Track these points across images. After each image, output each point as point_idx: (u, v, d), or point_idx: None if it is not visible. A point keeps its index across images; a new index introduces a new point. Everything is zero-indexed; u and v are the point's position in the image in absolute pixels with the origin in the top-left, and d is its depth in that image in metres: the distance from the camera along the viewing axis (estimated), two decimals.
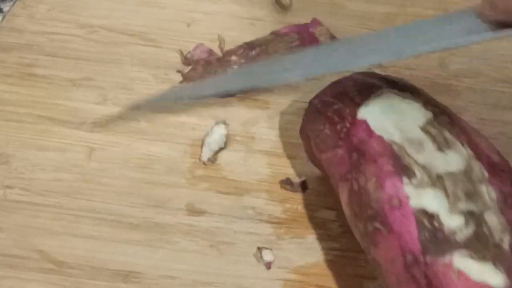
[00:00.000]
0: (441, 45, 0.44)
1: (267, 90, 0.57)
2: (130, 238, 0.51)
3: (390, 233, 0.42)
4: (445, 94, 0.56)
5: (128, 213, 0.52)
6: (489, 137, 0.47)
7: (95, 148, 0.55)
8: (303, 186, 0.53)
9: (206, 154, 0.54)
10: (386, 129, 0.45)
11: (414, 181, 0.42)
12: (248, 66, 0.57)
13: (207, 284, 0.49)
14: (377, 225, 0.43)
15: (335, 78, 0.52)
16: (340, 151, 0.46)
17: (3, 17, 0.61)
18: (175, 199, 0.52)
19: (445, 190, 0.42)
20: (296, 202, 0.53)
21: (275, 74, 0.50)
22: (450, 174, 0.43)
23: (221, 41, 0.60)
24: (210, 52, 0.59)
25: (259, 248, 0.50)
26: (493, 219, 0.41)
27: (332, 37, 0.60)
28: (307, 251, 0.50)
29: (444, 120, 0.45)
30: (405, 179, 0.43)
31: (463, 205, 0.42)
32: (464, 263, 0.40)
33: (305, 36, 0.59)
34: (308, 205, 0.52)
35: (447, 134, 0.44)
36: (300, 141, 0.53)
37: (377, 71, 0.53)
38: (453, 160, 0.43)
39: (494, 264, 0.40)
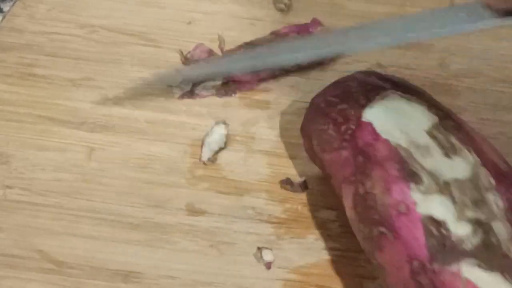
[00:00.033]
0: (446, 31, 0.44)
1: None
2: (130, 238, 0.51)
3: (396, 238, 0.42)
4: (445, 94, 0.56)
5: (128, 213, 0.52)
6: (489, 137, 0.47)
7: (95, 148, 0.55)
8: (303, 186, 0.53)
9: (206, 154, 0.54)
10: (392, 132, 0.45)
11: (421, 187, 0.42)
12: (254, 48, 0.57)
13: (207, 284, 0.49)
14: (383, 230, 0.42)
15: (335, 77, 0.52)
16: (344, 153, 0.46)
17: (3, 17, 0.61)
18: (175, 199, 0.52)
19: (452, 197, 0.42)
20: (296, 202, 0.53)
21: (281, 55, 0.49)
22: (457, 181, 0.42)
23: (221, 41, 0.60)
24: (210, 52, 0.59)
25: (259, 248, 0.50)
26: (500, 228, 0.41)
27: None
28: (307, 251, 0.50)
29: (450, 124, 0.45)
30: (412, 185, 0.42)
31: (471, 213, 0.41)
32: (472, 272, 0.40)
33: None
34: (308, 205, 0.52)
35: (453, 140, 0.44)
36: (300, 141, 0.53)
37: (377, 70, 0.53)
38: (460, 166, 0.43)
39: (503, 274, 0.40)
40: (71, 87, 0.57)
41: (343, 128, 0.47)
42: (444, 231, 0.41)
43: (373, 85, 0.48)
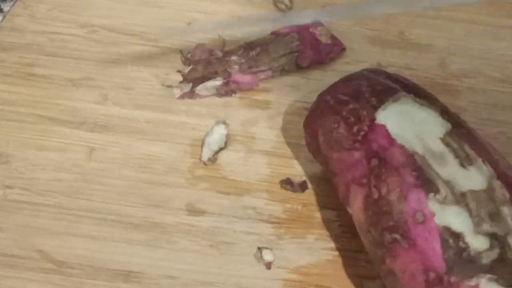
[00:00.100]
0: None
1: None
2: (130, 238, 0.51)
3: (412, 247, 0.42)
4: (445, 94, 0.56)
5: (128, 213, 0.52)
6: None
7: (95, 148, 0.55)
8: (303, 186, 0.53)
9: (206, 154, 0.54)
10: (407, 137, 0.45)
11: (438, 196, 0.42)
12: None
13: (207, 284, 0.49)
14: (397, 237, 0.42)
15: (336, 77, 0.52)
16: (356, 154, 0.46)
17: (3, 17, 0.61)
18: (175, 199, 0.52)
19: (469, 209, 0.42)
20: (296, 202, 0.53)
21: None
22: (473, 193, 0.42)
23: (221, 41, 0.60)
24: (210, 52, 0.59)
25: (259, 248, 0.50)
26: None
27: (333, 37, 0.60)
28: (307, 251, 0.50)
29: (464, 133, 0.45)
30: (430, 194, 0.42)
31: (487, 227, 0.41)
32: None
33: (306, 36, 0.59)
34: (308, 205, 0.52)
35: (468, 149, 0.44)
36: (301, 141, 0.53)
37: None
38: (475, 178, 0.43)
39: None
40: (71, 87, 0.57)
41: (355, 128, 0.47)
42: (461, 244, 0.41)
43: (384, 86, 0.48)
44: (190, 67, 0.59)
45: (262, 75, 0.58)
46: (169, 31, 0.60)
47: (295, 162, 0.54)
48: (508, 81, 0.58)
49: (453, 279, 0.40)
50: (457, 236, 0.41)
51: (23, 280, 0.49)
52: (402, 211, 0.42)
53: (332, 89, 0.50)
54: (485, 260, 0.40)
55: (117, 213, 0.52)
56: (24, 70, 0.58)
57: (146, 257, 0.50)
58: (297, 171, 0.54)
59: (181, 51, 0.59)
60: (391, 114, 0.46)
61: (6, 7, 0.62)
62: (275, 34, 0.60)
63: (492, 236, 0.41)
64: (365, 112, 0.46)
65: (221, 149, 0.55)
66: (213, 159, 0.54)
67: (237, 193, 0.53)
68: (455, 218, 0.41)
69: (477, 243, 0.41)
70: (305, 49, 0.59)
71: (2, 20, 0.61)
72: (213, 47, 0.60)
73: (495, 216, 0.41)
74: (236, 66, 0.58)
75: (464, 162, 0.43)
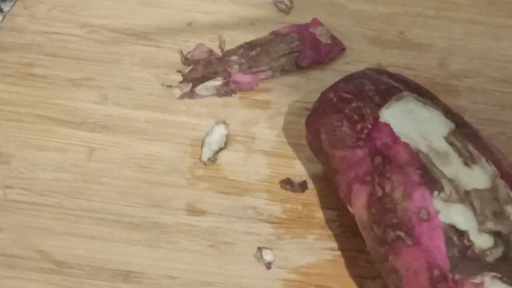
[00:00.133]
0: None
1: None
2: (130, 238, 0.51)
3: (416, 244, 0.42)
4: (445, 94, 0.56)
5: (128, 213, 0.52)
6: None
7: (95, 148, 0.55)
8: (303, 186, 0.53)
9: (206, 154, 0.54)
10: (410, 136, 0.45)
11: (442, 195, 0.42)
12: None
13: (207, 284, 0.49)
14: (401, 234, 0.42)
15: (336, 77, 0.52)
16: (359, 152, 0.46)
17: (3, 17, 0.61)
18: (175, 199, 0.52)
19: (473, 207, 0.42)
20: (296, 202, 0.53)
21: None
22: (477, 192, 0.42)
23: (221, 41, 0.60)
24: (211, 52, 0.59)
25: (259, 248, 0.50)
26: None
27: (333, 37, 0.60)
28: (307, 251, 0.50)
29: (467, 132, 0.45)
30: (434, 192, 0.42)
31: (491, 225, 0.41)
32: (495, 286, 0.40)
33: (306, 36, 0.60)
34: (308, 205, 0.52)
35: (472, 149, 0.44)
36: (301, 141, 0.53)
37: None
38: (479, 177, 0.43)
39: None
40: (71, 87, 0.57)
41: (358, 126, 0.47)
42: (466, 242, 0.41)
43: (387, 85, 0.48)
44: (190, 67, 0.59)
45: (262, 75, 0.58)
46: (169, 31, 0.60)
47: (295, 162, 0.54)
48: (508, 81, 0.58)
49: (457, 276, 0.40)
50: (462, 234, 0.41)
51: (23, 280, 0.49)
52: (406, 208, 0.43)
53: (335, 88, 0.50)
54: (490, 258, 0.40)
55: (117, 213, 0.52)
56: (24, 70, 0.58)
57: (146, 257, 0.50)
58: (297, 171, 0.54)
59: (181, 51, 0.59)
60: (395, 112, 0.46)
61: (6, 7, 0.62)
62: (275, 34, 0.60)
63: (496, 235, 0.41)
64: (368, 110, 0.47)
65: (221, 149, 0.55)
66: (213, 159, 0.54)
67: (237, 193, 0.53)
68: (459, 216, 0.42)
69: (481, 241, 0.41)
70: (305, 49, 0.59)
71: (2, 20, 0.61)
72: (213, 47, 0.60)
73: (499, 215, 0.42)
74: (236, 66, 0.58)
75: (468, 161, 0.44)
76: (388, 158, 0.44)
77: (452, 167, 0.43)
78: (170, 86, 0.58)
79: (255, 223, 0.52)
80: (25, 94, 0.57)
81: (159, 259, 0.50)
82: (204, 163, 0.54)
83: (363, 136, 0.46)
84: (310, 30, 0.60)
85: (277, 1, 0.62)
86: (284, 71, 0.59)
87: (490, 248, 0.41)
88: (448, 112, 0.46)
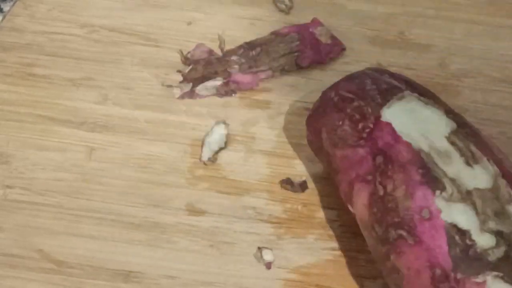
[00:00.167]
0: None
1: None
2: (131, 238, 0.51)
3: (417, 244, 0.42)
4: (445, 94, 0.56)
5: (128, 213, 0.52)
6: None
7: (95, 148, 0.55)
8: (303, 186, 0.53)
9: (206, 154, 0.54)
10: (412, 135, 0.45)
11: (444, 194, 0.42)
12: None
13: (207, 284, 0.49)
14: (403, 233, 0.42)
15: (336, 77, 0.52)
16: (361, 151, 0.46)
17: (3, 17, 0.61)
18: (175, 199, 0.52)
19: (475, 207, 0.42)
20: (296, 202, 0.53)
21: None
22: (479, 191, 0.42)
23: (221, 41, 0.60)
24: (211, 52, 0.59)
25: (259, 248, 0.50)
26: None
27: (333, 37, 0.60)
28: (307, 251, 0.50)
29: (468, 132, 0.45)
30: (436, 192, 0.42)
31: (493, 225, 0.41)
32: (497, 285, 0.40)
33: (306, 36, 0.60)
34: (308, 205, 0.52)
35: (473, 148, 0.44)
36: (301, 141, 0.53)
37: None
38: (481, 176, 0.43)
39: None
40: (71, 87, 0.57)
41: (360, 125, 0.47)
42: (468, 241, 0.41)
43: (388, 84, 0.48)
44: (190, 67, 0.59)
45: (262, 75, 0.58)
46: (169, 31, 0.60)
47: (295, 162, 0.54)
48: (508, 81, 0.58)
49: (459, 275, 0.40)
50: (464, 233, 0.41)
51: (23, 280, 0.49)
52: (408, 207, 0.43)
53: (336, 87, 0.50)
54: (491, 257, 0.40)
55: (117, 213, 0.52)
56: (24, 70, 0.58)
57: (146, 257, 0.50)
58: (297, 171, 0.54)
59: (181, 51, 0.59)
60: (396, 112, 0.46)
61: (6, 7, 0.62)
62: (275, 34, 0.60)
63: (498, 234, 0.41)
64: (370, 110, 0.47)
65: (221, 149, 0.55)
66: (213, 159, 0.54)
67: (237, 193, 0.53)
68: (461, 216, 0.42)
69: (483, 240, 0.41)
70: (305, 49, 0.59)
71: (2, 20, 0.61)
72: (213, 47, 0.60)
73: (500, 214, 0.42)
74: (236, 66, 0.58)
75: (470, 160, 0.44)
76: (389, 157, 0.44)
77: (454, 167, 0.43)
78: (170, 86, 0.58)
79: (255, 223, 0.52)
80: (25, 94, 0.57)
81: (159, 259, 0.50)
82: (204, 163, 0.54)
83: (365, 135, 0.46)
84: (310, 30, 0.60)
85: (277, 1, 0.62)
86: (284, 71, 0.59)
87: (492, 248, 0.41)
88: (449, 112, 0.47)
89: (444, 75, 0.58)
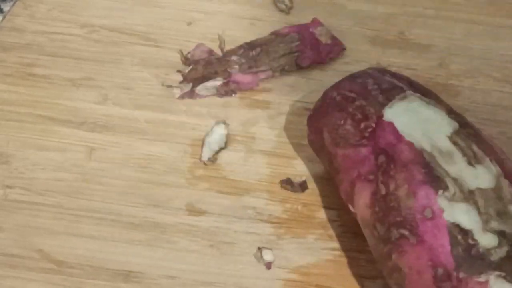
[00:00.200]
0: None
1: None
2: (131, 238, 0.51)
3: (419, 243, 0.42)
4: (445, 94, 0.56)
5: (128, 213, 0.52)
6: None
7: (95, 148, 0.55)
8: (303, 186, 0.53)
9: (206, 154, 0.54)
10: (414, 135, 0.45)
11: (447, 194, 0.42)
12: None
13: (207, 284, 0.49)
14: (405, 232, 0.42)
15: (336, 77, 0.52)
16: (363, 150, 0.46)
17: (3, 17, 0.61)
18: (175, 199, 0.52)
19: (477, 207, 0.42)
20: (296, 202, 0.53)
21: None
22: (481, 191, 0.42)
23: (221, 41, 0.60)
24: (211, 52, 0.59)
25: (259, 248, 0.50)
26: None
27: (333, 37, 0.60)
28: (307, 251, 0.50)
29: (471, 132, 0.45)
30: (439, 191, 0.42)
31: (495, 224, 0.41)
32: (499, 285, 0.40)
33: (306, 36, 0.60)
34: (308, 205, 0.52)
35: (475, 148, 0.44)
36: (301, 141, 0.53)
37: None
38: (483, 176, 0.43)
39: None
40: (71, 87, 0.57)
41: (362, 125, 0.47)
42: (470, 240, 0.41)
43: (390, 84, 0.48)
44: (190, 67, 0.59)
45: (262, 75, 0.58)
46: (169, 31, 0.60)
47: (295, 162, 0.54)
48: (508, 81, 0.58)
49: (462, 275, 0.40)
50: (466, 233, 0.41)
51: (23, 280, 0.49)
52: (410, 207, 0.43)
53: (338, 86, 0.50)
54: (494, 257, 0.40)
55: (117, 213, 0.52)
56: (24, 70, 0.58)
57: (146, 257, 0.50)
58: (297, 171, 0.54)
59: (181, 51, 0.59)
60: (398, 112, 0.46)
61: (6, 7, 0.62)
62: (275, 34, 0.60)
63: (500, 234, 0.41)
64: (372, 109, 0.47)
65: (221, 149, 0.55)
66: (213, 159, 0.54)
67: (237, 193, 0.53)
68: (463, 215, 0.42)
69: (485, 240, 0.41)
70: (305, 49, 0.59)
71: (2, 20, 0.61)
72: (213, 47, 0.60)
73: (503, 214, 0.42)
74: (236, 66, 0.58)
75: (472, 160, 0.44)
76: (392, 157, 0.44)
77: (456, 166, 0.43)
78: (170, 86, 0.58)
79: (255, 223, 0.52)
80: (25, 94, 0.57)
81: (159, 259, 0.50)
82: (204, 163, 0.54)
83: (367, 134, 0.46)
84: (310, 30, 0.60)
85: (277, 1, 0.62)
86: (284, 71, 0.59)
87: (494, 247, 0.41)
88: (451, 112, 0.47)
89: (444, 75, 0.58)
